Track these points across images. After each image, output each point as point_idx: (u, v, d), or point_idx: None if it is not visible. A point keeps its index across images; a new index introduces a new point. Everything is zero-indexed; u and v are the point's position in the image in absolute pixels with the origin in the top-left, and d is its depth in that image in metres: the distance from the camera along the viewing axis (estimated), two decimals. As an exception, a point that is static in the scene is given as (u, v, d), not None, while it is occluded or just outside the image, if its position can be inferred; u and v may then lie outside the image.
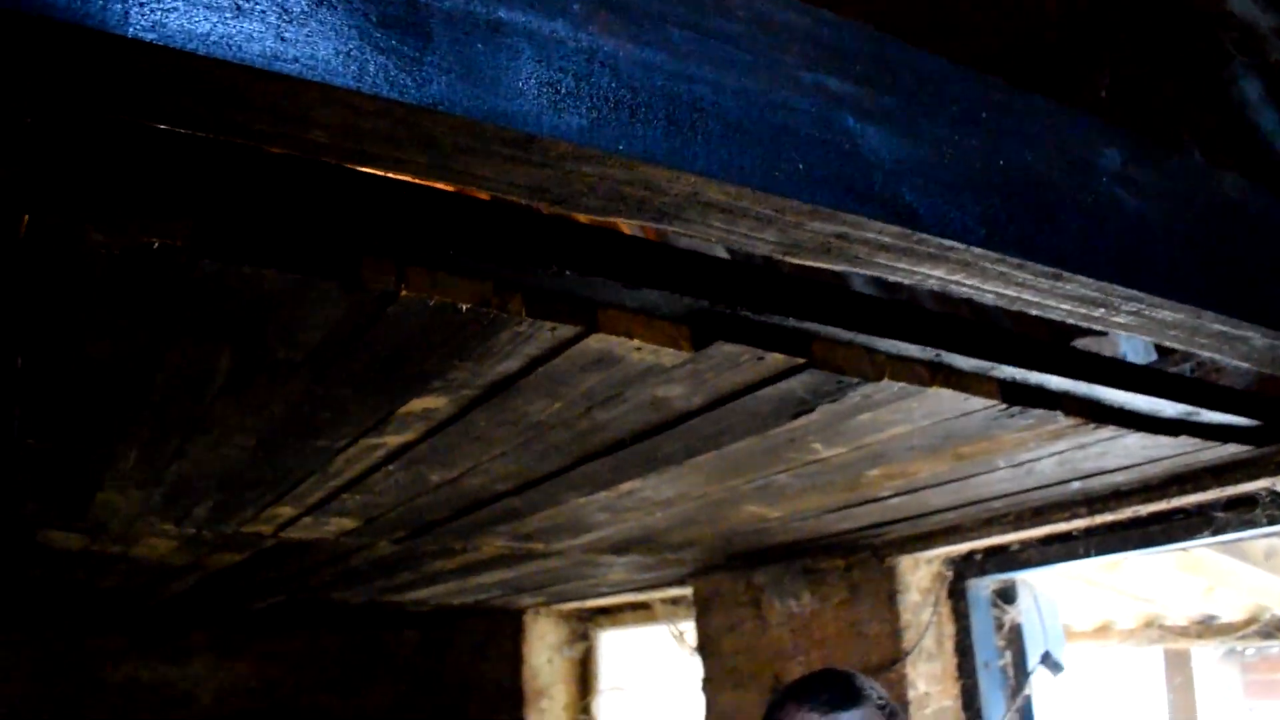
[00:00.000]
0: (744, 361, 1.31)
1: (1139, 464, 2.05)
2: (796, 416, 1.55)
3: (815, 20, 1.02)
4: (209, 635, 5.27)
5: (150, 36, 0.70)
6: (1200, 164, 1.40)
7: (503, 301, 1.11)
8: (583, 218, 1.06)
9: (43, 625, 4.86)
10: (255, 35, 0.73)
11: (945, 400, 1.51)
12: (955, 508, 2.46)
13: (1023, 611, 3.02)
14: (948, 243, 1.04)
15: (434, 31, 0.79)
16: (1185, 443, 1.88)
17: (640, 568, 3.41)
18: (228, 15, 0.72)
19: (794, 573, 3.24)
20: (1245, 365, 1.52)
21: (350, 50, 0.76)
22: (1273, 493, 2.13)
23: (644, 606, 4.44)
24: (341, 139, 0.82)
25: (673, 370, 1.33)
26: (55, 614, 4.66)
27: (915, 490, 2.20)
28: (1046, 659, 2.99)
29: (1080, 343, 2.05)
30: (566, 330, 1.18)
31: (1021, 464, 1.98)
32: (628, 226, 1.61)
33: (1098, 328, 1.33)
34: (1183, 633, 4.46)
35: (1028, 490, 2.26)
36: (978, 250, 1.06)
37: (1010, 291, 1.18)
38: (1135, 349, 2.11)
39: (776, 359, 1.30)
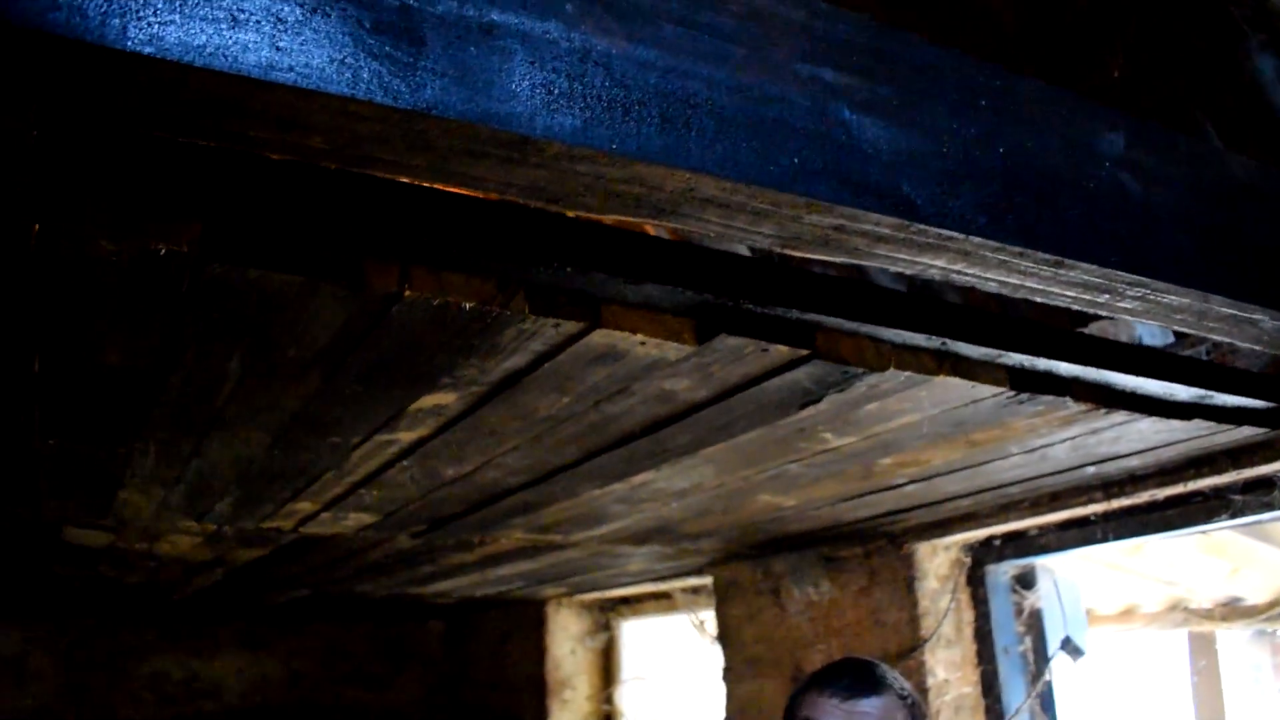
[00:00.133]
0: (748, 354, 1.31)
1: (1153, 448, 2.04)
2: (804, 407, 1.56)
3: (810, 12, 1.02)
4: (236, 629, 5.34)
5: (148, 50, 0.71)
6: (1207, 146, 1.39)
7: (506, 299, 1.12)
8: (601, 216, 1.07)
9: (72, 620, 4.95)
10: (251, 45, 0.74)
11: (953, 388, 1.51)
12: (971, 494, 2.45)
13: (1042, 597, 3.01)
14: (946, 233, 1.04)
15: (427, 36, 0.80)
16: (1199, 426, 1.87)
17: (659, 557, 3.42)
18: (224, 26, 0.74)
19: (812, 561, 3.24)
20: (1258, 348, 1.51)
21: (344, 57, 0.77)
22: (1290, 475, 2.11)
23: (665, 596, 4.45)
24: (340, 144, 0.84)
25: (678, 364, 1.34)
26: (84, 609, 4.73)
27: (929, 477, 2.20)
28: (1067, 644, 2.98)
29: (1094, 326, 2.04)
30: (570, 326, 1.19)
31: (1035, 450, 1.98)
32: (652, 227, 1.61)
33: (1103, 313, 1.33)
34: (1208, 615, 4.43)
35: (1043, 475, 2.26)
36: (977, 239, 1.06)
37: (1012, 280, 1.18)
38: (1151, 332, 2.10)
39: (781, 351, 1.31)
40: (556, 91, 0.84)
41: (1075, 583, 3.17)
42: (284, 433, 1.64)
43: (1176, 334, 2.12)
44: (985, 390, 1.53)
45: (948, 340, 1.41)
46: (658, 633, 4.88)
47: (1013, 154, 1.12)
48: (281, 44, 0.75)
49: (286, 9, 0.76)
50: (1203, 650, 4.71)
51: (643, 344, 1.25)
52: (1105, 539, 2.59)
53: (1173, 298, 1.27)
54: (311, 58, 0.76)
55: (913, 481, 2.24)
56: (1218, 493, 2.29)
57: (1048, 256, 1.12)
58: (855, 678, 1.63)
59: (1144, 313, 1.32)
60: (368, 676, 5.66)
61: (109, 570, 3.39)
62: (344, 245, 1.08)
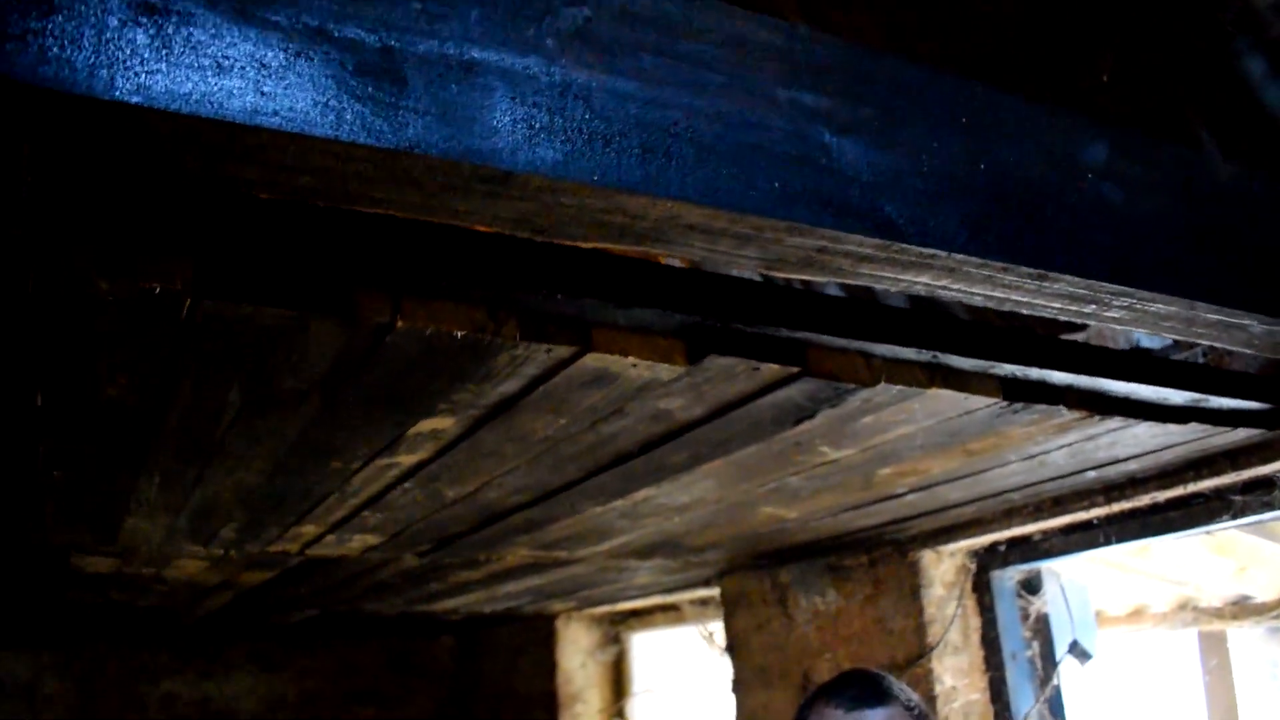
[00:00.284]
0: (740, 373, 1.33)
1: (1152, 451, 2.05)
2: (799, 422, 1.57)
3: (789, 36, 1.04)
4: (247, 650, 5.36)
5: (135, 99, 0.73)
6: (1190, 152, 1.40)
7: (497, 327, 1.14)
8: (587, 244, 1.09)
9: (84, 644, 4.97)
10: (236, 92, 0.76)
11: (946, 400, 1.52)
12: (972, 501, 2.46)
13: (1049, 601, 3.01)
14: (929, 251, 1.05)
15: (409, 76, 0.82)
16: (1196, 429, 1.88)
17: (666, 570, 3.43)
18: (209, 74, 0.75)
19: (819, 570, 3.25)
20: (1249, 351, 1.52)
21: (328, 100, 0.79)
22: (1290, 475, 2.12)
23: (673, 608, 4.46)
24: (327, 183, 0.85)
25: (671, 384, 1.36)
26: (96, 633, 4.75)
27: (930, 486, 2.21)
28: (1074, 647, 2.98)
29: (1091, 330, 2.05)
30: (562, 351, 1.21)
31: (1033, 457, 1.99)
32: (664, 257, 1.64)
33: (1091, 323, 1.34)
34: (1217, 614, 4.42)
35: (1043, 481, 2.27)
36: (959, 256, 1.07)
37: (998, 293, 1.19)
38: (1148, 335, 2.10)
39: (772, 369, 1.32)
40: (538, 126, 0.86)
41: (1083, 585, 3.17)
42: (285, 459, 1.65)
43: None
44: (978, 401, 1.54)
45: (939, 353, 1.43)
46: (667, 645, 4.88)
47: (994, 169, 1.13)
48: (266, 89, 0.77)
49: (270, 54, 0.77)
50: (1214, 649, 4.70)
51: (634, 366, 1.26)
52: (1109, 542, 2.59)
53: (1159, 306, 1.29)
54: (295, 101, 0.77)
55: (913, 490, 2.25)
56: (1218, 494, 2.29)
57: (1031, 270, 1.13)
58: (861, 689, 1.66)
59: (1131, 321, 1.33)
60: (379, 694, 5.67)
61: (119, 595, 3.41)
62: (336, 277, 1.10)
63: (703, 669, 4.30)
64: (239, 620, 4.44)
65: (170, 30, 0.74)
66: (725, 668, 3.67)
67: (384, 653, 5.70)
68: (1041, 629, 2.98)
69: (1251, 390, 1.84)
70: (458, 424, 1.49)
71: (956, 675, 2.85)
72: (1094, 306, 1.26)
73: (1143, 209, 1.26)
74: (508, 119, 0.84)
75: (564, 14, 0.90)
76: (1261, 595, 4.20)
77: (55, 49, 0.72)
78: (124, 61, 0.73)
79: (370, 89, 0.80)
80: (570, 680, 4.82)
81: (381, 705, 5.65)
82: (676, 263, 1.67)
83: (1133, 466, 2.17)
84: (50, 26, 0.71)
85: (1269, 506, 2.20)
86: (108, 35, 0.73)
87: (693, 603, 4.28)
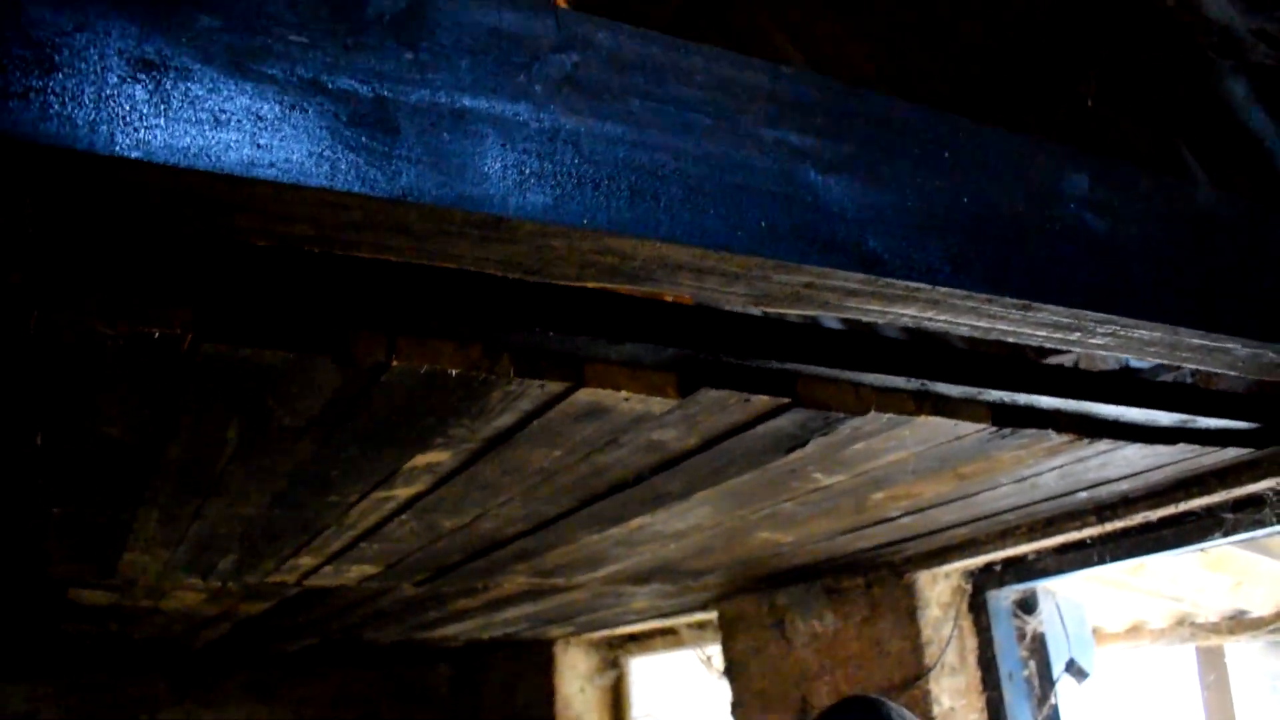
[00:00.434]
0: (731, 404, 1.35)
1: (1142, 472, 2.06)
2: (791, 450, 1.59)
3: (774, 77, 1.06)
4: (245, 679, 5.33)
5: (135, 154, 0.75)
6: (1171, 180, 1.42)
7: (491, 364, 1.16)
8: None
9: (81, 675, 4.94)
10: (233, 144, 0.78)
11: (936, 427, 1.54)
12: (966, 523, 2.47)
13: (1045, 620, 3.02)
14: (913, 284, 1.07)
15: (401, 125, 0.84)
16: (1185, 449, 1.90)
17: (663, 595, 3.44)
18: (206, 127, 0.77)
19: (816, 592, 3.26)
20: (1232, 373, 1.54)
21: (323, 151, 0.81)
22: (1278, 492, 2.14)
23: (671, 632, 4.45)
24: (322, 231, 0.87)
25: (663, 416, 1.37)
26: (93, 664, 4.73)
27: (923, 509, 2.22)
28: (1071, 666, 2.99)
29: (1079, 353, 2.07)
30: (555, 386, 1.22)
31: (1024, 479, 2.00)
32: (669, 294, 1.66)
33: (1077, 349, 1.36)
34: (1214, 629, 4.43)
35: (1035, 503, 2.28)
36: (944, 289, 1.09)
37: (983, 324, 1.21)
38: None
39: (763, 400, 1.34)
40: (528, 171, 0.88)
41: (1079, 604, 3.18)
42: (283, 494, 1.67)
43: (1160, 358, 2.15)
44: (968, 427, 1.56)
45: (927, 381, 1.45)
46: (666, 669, 4.87)
47: (976, 202, 1.16)
48: (262, 141, 0.79)
49: (265, 107, 0.79)
50: (1212, 664, 4.70)
51: (627, 400, 1.28)
52: (1102, 561, 2.61)
53: (1143, 332, 1.31)
54: (291, 153, 0.79)
55: (907, 514, 2.26)
56: (1209, 512, 2.31)
57: (1015, 300, 1.15)
58: (860, 714, 1.67)
59: (1116, 347, 1.35)
60: (378, 722, 5.64)
61: (117, 626, 3.41)
62: (332, 318, 1.12)
63: (701, 693, 4.30)
64: (237, 650, 4.43)
65: (168, 85, 0.76)
66: (724, 691, 3.67)
67: (383, 680, 5.68)
68: (1038, 648, 2.99)
69: (1239, 410, 1.86)
70: (454, 457, 1.51)
71: (954, 696, 2.85)
72: (1079, 334, 1.28)
73: (1125, 237, 1.29)
74: (498, 165, 0.86)
75: (552, 60, 0.92)
76: (1258, 610, 4.21)
77: (57, 106, 0.73)
78: (123, 117, 0.75)
79: (364, 139, 0.82)
80: (569, 705, 4.81)
81: (380, 733, 5.62)
82: (670, 297, 1.69)
83: (1124, 486, 2.19)
84: (52, 84, 0.73)
85: (1260, 524, 2.22)
86: (107, 92, 0.74)
87: (690, 626, 4.28)
